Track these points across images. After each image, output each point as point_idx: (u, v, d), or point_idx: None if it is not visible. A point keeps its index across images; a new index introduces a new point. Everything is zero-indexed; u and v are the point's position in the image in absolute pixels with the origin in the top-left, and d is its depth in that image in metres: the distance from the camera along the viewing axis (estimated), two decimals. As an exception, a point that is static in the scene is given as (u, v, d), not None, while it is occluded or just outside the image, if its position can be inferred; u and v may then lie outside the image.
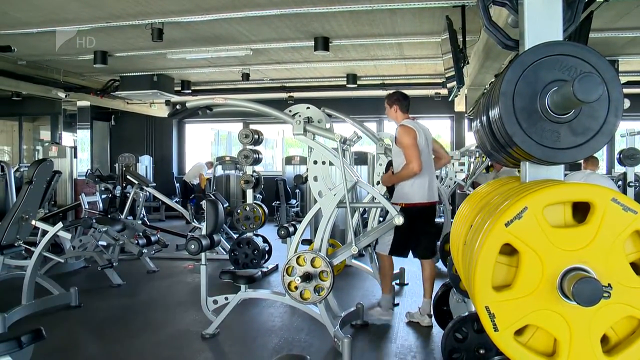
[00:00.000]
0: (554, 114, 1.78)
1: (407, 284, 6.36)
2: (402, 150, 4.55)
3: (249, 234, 6.75)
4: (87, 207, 8.80)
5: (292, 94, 11.94)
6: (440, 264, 7.11)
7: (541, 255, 1.64)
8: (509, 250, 1.71)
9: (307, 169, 4.05)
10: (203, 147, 15.30)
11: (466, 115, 10.47)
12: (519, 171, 2.13)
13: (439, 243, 6.15)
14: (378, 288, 5.98)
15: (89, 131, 12.75)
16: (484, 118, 2.10)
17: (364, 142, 12.03)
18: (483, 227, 1.77)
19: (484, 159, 7.25)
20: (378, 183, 6.48)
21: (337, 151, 3.76)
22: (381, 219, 7.27)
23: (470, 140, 12.12)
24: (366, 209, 6.29)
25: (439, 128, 14.53)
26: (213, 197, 7.53)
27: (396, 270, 6.39)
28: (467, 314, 3.05)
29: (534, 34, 1.93)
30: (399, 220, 3.65)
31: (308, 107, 4.48)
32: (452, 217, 7.65)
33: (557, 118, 1.79)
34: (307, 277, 3.66)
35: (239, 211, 6.72)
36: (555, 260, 1.63)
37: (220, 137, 15.76)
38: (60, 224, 5.13)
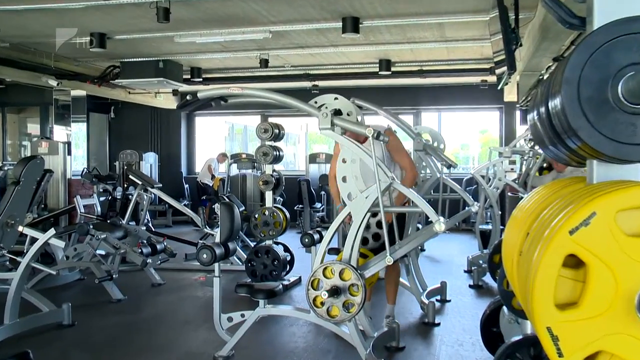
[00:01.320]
0: (629, 103, 1.74)
1: (449, 301, 6.32)
2: (400, 158, 4.84)
3: (268, 242, 6.77)
4: (82, 210, 8.90)
5: (316, 82, 11.95)
6: (488, 278, 7.05)
7: (614, 268, 1.60)
8: (574, 262, 1.67)
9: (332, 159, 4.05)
10: (216, 142, 15.39)
11: (518, 105, 10.34)
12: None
13: (487, 253, 6.09)
14: (416, 304, 5.97)
15: (85, 124, 12.82)
16: (542, 109, 2.07)
17: (399, 137, 11.99)
18: (542, 235, 1.74)
19: (537, 157, 7.17)
20: (416, 184, 6.45)
21: (369, 148, 3.74)
22: (420, 226, 7.22)
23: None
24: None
25: (485, 121, 14.41)
26: (227, 200, 7.58)
27: (436, 285, 6.37)
28: (521, 337, 3.01)
29: (605, 9, 1.89)
30: (441, 226, 3.61)
31: (336, 98, 4.47)
32: (502, 223, 7.65)
33: (632, 108, 1.74)
34: (335, 292, 3.65)
35: (256, 216, 6.75)
36: (632, 275, 1.59)
37: (235, 131, 15.84)
38: (52, 231, 5.16)
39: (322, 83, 11.99)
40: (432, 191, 7.11)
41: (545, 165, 7.03)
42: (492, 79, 10.78)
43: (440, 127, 13.63)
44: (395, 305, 5.31)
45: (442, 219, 3.58)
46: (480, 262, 7.49)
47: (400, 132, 5.95)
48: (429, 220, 3.69)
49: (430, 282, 6.43)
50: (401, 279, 6.18)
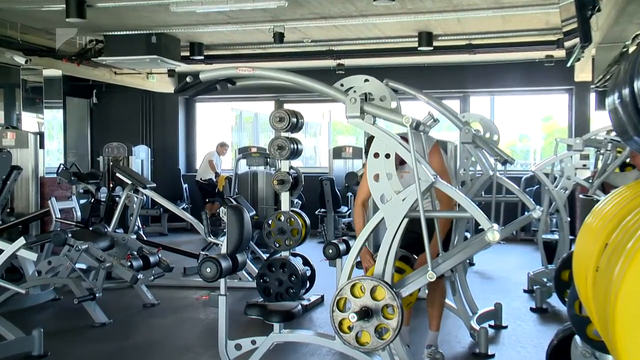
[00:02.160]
0: None
1: (505, 327, 6.27)
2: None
3: (285, 254, 6.78)
4: (58, 216, 8.96)
5: (342, 60, 11.94)
6: (554, 299, 6.98)
7: None
8: (666, 281, 1.64)
9: (364, 165, 4.04)
10: (220, 134, 15.43)
11: (593, 86, 10.20)
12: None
13: (552, 269, 6.03)
14: (465, 330, 5.93)
15: (61, 111, 12.81)
16: (626, 91, 2.04)
17: (442, 127, 11.92)
18: (626, 247, 1.71)
19: (618, 151, 7.06)
20: (463, 184, 6.42)
21: (407, 140, 3.73)
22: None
23: (599, 123, 11.85)
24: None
25: (550, 106, 14.28)
26: (235, 203, 7.60)
27: (489, 307, 6.33)
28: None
29: None
30: (494, 235, 3.59)
31: (366, 80, 4.46)
32: (571, 233, 7.56)
33: None
34: (365, 314, 3.64)
35: (270, 222, 6.76)
36: None
37: (243, 120, 15.89)
38: (21, 240, 5.17)
39: (348, 61, 11.98)
40: (483, 192, 7.08)
41: (629, 160, 6.93)
42: (559, 53, 10.66)
43: (494, 114, 13.55)
44: (439, 331, 5.29)
45: (495, 226, 3.56)
46: (544, 279, 7.43)
47: (444, 120, 5.91)
48: (480, 227, 3.67)
49: (481, 303, 6.39)
50: (446, 300, 6.15)
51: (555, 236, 8.34)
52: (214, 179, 13.28)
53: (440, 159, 5.04)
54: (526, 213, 6.57)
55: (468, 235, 8.19)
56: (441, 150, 5.16)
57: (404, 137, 3.85)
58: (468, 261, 8.56)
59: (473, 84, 13.47)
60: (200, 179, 13.58)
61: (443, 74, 13.21)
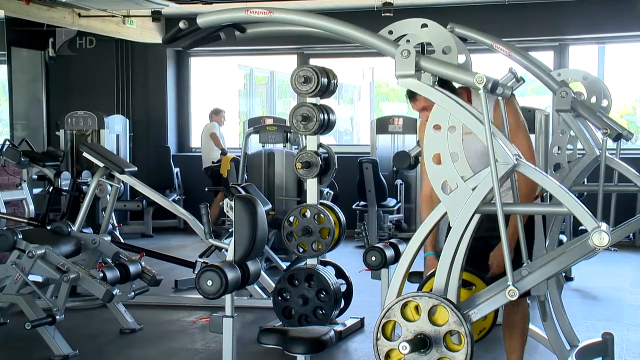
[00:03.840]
0: None
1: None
2: (514, 138, 4.61)
3: (311, 262, 6.84)
4: (4, 210, 9.07)
5: (390, -3, 11.98)
6: None
7: None
8: None
9: (420, 142, 4.09)
10: (225, 99, 15.45)
11: None
12: None
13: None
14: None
15: (6, 67, 12.97)
16: None
17: (527, 89, 11.88)
18: None
19: None
20: (557, 167, 6.43)
21: (481, 107, 3.77)
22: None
23: None
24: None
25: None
26: (245, 193, 7.70)
27: (594, 338, 6.34)
28: None
29: None
30: (602, 239, 3.63)
31: (424, 25, 4.51)
32: None
33: None
34: (422, 343, 3.70)
35: (292, 219, 6.83)
36: None
37: (254, 81, 15.93)
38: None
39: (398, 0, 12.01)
40: (585, 179, 7.10)
41: None
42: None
43: (603, 70, 13.43)
44: None
45: (604, 226, 3.59)
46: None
47: (532, 80, 5.94)
48: (581, 228, 3.71)
49: (583, 333, 6.41)
50: (533, 326, 6.18)
51: None
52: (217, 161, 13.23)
53: (516, 116, 4.97)
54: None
55: (564, 238, 8.20)
56: (518, 106, 5.12)
57: None
58: (564, 274, 8.55)
59: (574, 28, 13.33)
60: (212, 162, 13.52)
61: (531, 14, 13.10)
